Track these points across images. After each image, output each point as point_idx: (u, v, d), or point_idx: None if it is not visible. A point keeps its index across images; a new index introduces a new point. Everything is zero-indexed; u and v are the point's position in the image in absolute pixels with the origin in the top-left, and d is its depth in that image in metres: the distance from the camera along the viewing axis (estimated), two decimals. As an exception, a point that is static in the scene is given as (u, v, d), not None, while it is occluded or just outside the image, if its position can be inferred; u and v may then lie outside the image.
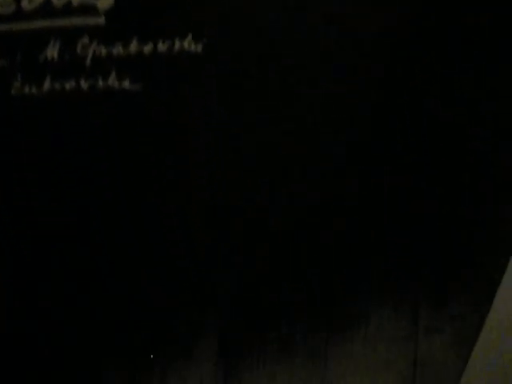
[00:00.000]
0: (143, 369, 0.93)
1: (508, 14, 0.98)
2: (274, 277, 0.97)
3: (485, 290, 1.10)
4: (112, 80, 0.80)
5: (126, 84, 0.81)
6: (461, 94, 1.00)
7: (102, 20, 0.78)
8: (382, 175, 0.99)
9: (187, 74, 0.84)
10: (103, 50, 0.79)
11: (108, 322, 0.89)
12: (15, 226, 0.83)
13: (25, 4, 0.76)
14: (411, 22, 0.94)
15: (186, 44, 0.82)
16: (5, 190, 0.81)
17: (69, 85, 0.79)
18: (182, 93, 0.85)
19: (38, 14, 0.76)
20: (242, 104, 0.88)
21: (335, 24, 0.90)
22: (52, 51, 0.78)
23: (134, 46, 0.80)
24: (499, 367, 1.20)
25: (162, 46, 0.81)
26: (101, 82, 0.80)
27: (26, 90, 0.79)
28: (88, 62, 0.80)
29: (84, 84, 0.80)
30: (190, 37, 0.82)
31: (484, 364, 1.17)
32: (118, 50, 0.80)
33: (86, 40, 0.79)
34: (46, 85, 0.79)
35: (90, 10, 0.78)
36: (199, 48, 0.83)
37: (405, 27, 0.94)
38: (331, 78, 0.93)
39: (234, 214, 0.92)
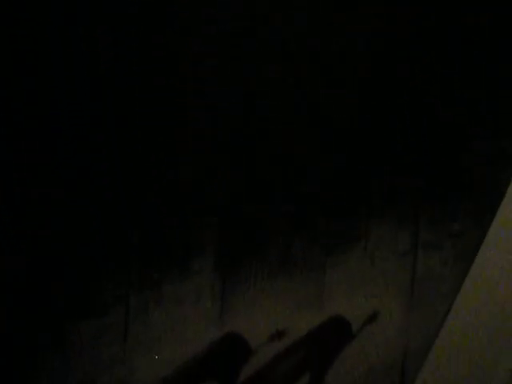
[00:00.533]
0: (137, 283, 0.87)
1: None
2: (272, 189, 0.92)
3: (486, 207, 1.07)
4: None
5: None
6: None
7: None
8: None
9: None
10: None
11: (103, 233, 0.83)
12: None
13: None
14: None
15: None
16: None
17: None
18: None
19: None
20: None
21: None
22: None
23: None
24: (497, 283, 1.18)
25: None
26: None
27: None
28: None
29: None
30: None
31: (482, 281, 1.14)
32: None
33: None
34: None
35: None
36: None
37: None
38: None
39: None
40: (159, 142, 0.86)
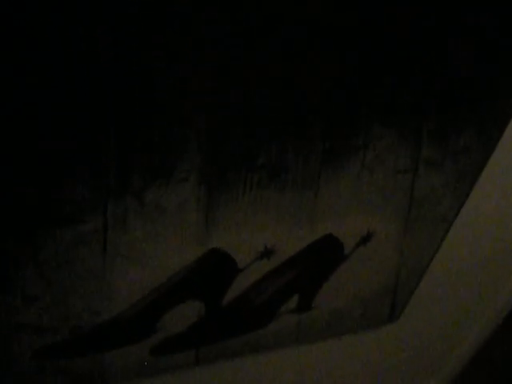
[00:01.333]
0: (116, 190, 0.81)
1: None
2: (264, 97, 0.86)
3: (491, 126, 1.00)
4: None
5: None
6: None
7: None
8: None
9: None
10: None
11: (78, 133, 0.78)
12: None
13: None
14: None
15: None
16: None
17: None
18: None
19: None
20: None
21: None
22: None
23: None
24: (498, 207, 1.14)
25: None
26: None
27: None
28: None
29: None
30: None
31: (483, 204, 1.10)
32: None
33: None
34: None
35: None
36: None
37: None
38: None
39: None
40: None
